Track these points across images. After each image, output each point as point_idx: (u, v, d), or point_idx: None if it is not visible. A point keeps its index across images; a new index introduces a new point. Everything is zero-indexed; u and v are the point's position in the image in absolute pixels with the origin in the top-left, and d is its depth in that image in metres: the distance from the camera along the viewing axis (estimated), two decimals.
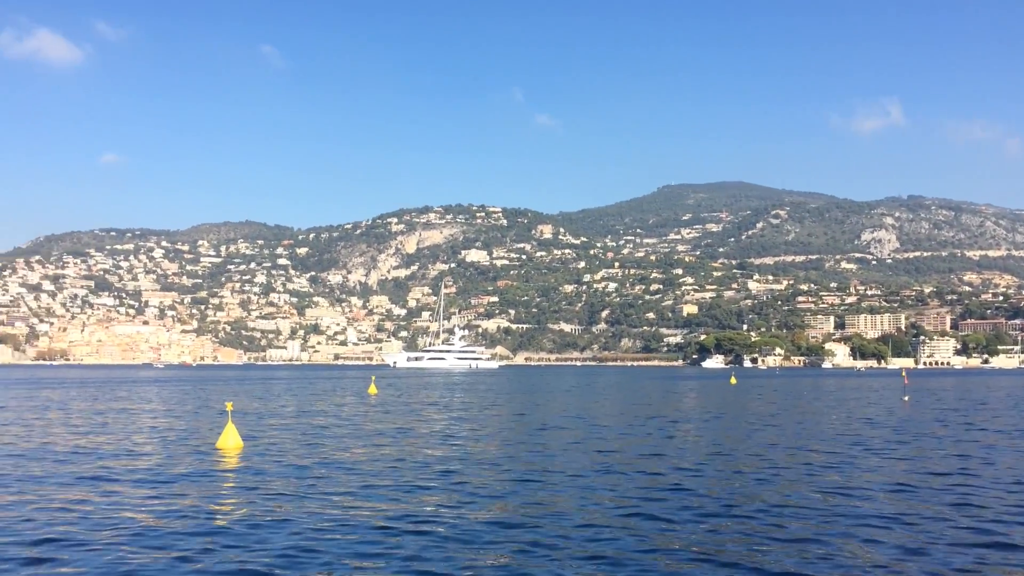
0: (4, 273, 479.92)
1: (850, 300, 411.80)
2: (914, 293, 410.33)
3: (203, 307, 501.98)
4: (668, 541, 13.91)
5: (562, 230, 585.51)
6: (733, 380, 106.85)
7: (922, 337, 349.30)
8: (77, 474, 20.89)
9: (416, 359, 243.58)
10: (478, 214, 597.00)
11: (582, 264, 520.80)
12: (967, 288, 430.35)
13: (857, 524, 15.23)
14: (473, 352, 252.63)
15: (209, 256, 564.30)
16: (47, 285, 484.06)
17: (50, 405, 51.41)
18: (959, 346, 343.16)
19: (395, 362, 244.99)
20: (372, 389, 68.09)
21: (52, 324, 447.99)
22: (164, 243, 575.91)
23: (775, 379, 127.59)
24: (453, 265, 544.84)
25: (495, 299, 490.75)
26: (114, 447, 27.04)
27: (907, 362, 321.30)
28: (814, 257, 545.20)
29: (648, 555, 12.98)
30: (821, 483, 19.86)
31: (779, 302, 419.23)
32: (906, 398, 60.48)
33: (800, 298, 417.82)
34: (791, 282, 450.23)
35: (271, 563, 12.37)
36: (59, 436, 30.90)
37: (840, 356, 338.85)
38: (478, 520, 15.23)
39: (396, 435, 31.12)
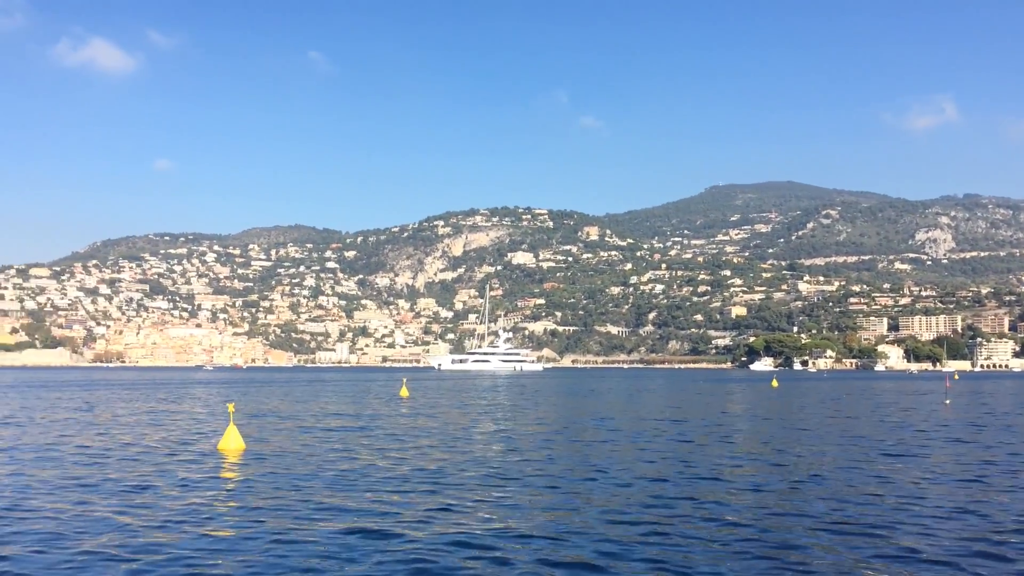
0: (63, 277, 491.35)
1: (904, 301, 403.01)
2: (970, 294, 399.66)
3: (254, 310, 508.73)
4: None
5: (608, 232, 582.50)
6: (775, 383, 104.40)
7: (979, 339, 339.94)
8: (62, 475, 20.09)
9: (460, 361, 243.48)
10: (524, 216, 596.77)
11: (629, 266, 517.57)
12: None
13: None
14: (517, 354, 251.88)
15: (260, 260, 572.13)
16: (104, 289, 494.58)
17: (80, 407, 51.20)
18: (1018, 348, 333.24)
19: (440, 364, 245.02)
20: (403, 391, 67.09)
21: (108, 327, 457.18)
22: (216, 247, 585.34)
23: (820, 382, 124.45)
24: (499, 267, 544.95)
25: (541, 301, 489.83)
26: (118, 447, 26.68)
27: (963, 365, 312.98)
28: (866, 258, 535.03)
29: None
30: (809, 491, 18.64)
31: (830, 304, 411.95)
32: (947, 401, 58.25)
33: (852, 299, 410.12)
34: (843, 283, 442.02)
35: None
36: (66, 436, 30.60)
37: (893, 358, 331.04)
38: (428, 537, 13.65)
39: (408, 440, 29.84)
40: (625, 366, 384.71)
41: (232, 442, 25.76)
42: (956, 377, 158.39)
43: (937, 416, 44.24)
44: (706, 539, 13.98)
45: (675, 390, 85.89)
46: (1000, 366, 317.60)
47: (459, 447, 27.22)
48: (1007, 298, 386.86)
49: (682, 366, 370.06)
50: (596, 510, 16.25)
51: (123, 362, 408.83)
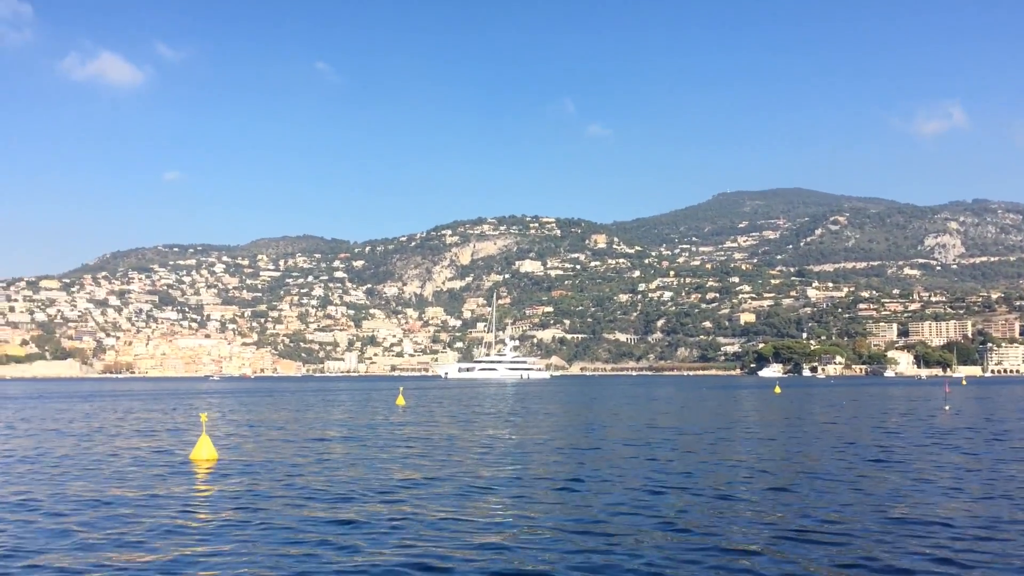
0: (73, 289, 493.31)
1: (913, 307, 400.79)
2: (981, 299, 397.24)
3: (263, 320, 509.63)
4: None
5: (616, 239, 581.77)
6: (778, 390, 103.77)
7: (989, 344, 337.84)
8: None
9: (467, 370, 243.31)
10: (532, 225, 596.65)
11: (637, 273, 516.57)
12: None
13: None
14: (524, 363, 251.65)
15: (268, 270, 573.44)
16: (113, 300, 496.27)
17: (74, 417, 51.12)
18: None
19: (446, 373, 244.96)
20: (400, 400, 66.81)
21: (118, 338, 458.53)
22: (225, 258, 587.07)
23: (825, 388, 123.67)
24: (507, 276, 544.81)
25: (550, 309, 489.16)
26: (90, 457, 26.54)
27: (974, 370, 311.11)
28: (875, 264, 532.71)
29: None
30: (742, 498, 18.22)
31: (839, 310, 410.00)
32: (947, 408, 57.62)
33: (861, 305, 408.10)
34: (852, 289, 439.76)
35: None
36: (48, 445, 30.42)
37: (903, 364, 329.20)
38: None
39: (388, 451, 29.52)
40: (634, 373, 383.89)
41: (204, 452, 25.54)
42: (964, 383, 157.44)
43: (933, 423, 43.73)
44: (658, 546, 13.69)
45: (677, 397, 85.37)
46: (1011, 371, 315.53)
47: (436, 456, 26.94)
48: (1017, 303, 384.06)
49: (691, 373, 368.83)
50: (551, 518, 15.96)
51: (133, 373, 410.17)
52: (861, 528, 15.18)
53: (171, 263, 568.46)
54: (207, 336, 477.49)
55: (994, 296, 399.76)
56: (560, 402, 72.47)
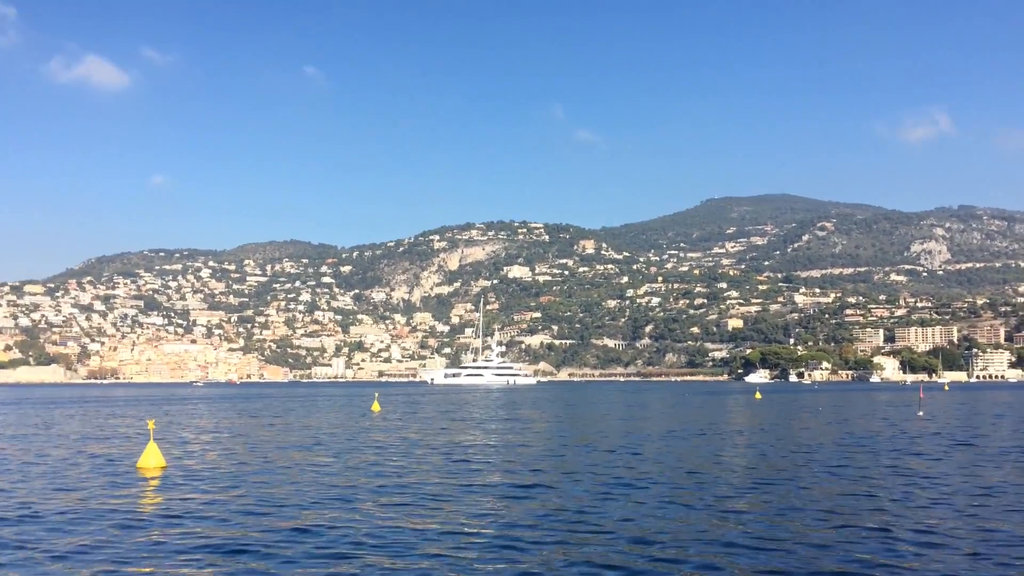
0: (57, 294, 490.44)
1: (900, 313, 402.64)
2: (966, 305, 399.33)
3: (249, 325, 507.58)
4: None
5: (604, 245, 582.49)
6: (758, 395, 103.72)
7: (975, 350, 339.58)
8: None
9: (454, 376, 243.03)
10: (520, 230, 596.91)
11: (625, 279, 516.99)
12: (1022, 299, 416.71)
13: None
14: (511, 368, 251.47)
15: (255, 275, 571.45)
16: (98, 305, 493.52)
17: (38, 423, 50.53)
18: (1014, 359, 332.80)
19: (432, 379, 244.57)
20: (375, 407, 66.28)
21: (103, 343, 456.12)
22: (211, 263, 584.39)
23: (808, 394, 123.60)
24: (495, 281, 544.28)
25: (538, 315, 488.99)
26: (40, 466, 26.14)
27: (959, 375, 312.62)
28: (862, 269, 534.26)
29: None
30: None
31: (826, 315, 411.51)
32: (920, 413, 57.52)
33: (848, 311, 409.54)
34: (839, 295, 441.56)
35: None
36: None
37: (889, 370, 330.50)
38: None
39: (344, 458, 29.15)
40: (622, 379, 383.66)
41: (151, 460, 25.10)
42: (946, 388, 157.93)
43: (904, 428, 43.57)
44: (589, 558, 13.39)
45: (656, 403, 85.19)
46: (996, 376, 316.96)
47: (393, 462, 26.60)
48: (1003, 309, 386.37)
49: (679, 379, 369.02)
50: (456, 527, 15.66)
51: (117, 378, 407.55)
52: (790, 536, 14.89)
53: (157, 268, 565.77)
54: (193, 341, 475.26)
55: (979, 302, 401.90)
56: (539, 408, 72.14)
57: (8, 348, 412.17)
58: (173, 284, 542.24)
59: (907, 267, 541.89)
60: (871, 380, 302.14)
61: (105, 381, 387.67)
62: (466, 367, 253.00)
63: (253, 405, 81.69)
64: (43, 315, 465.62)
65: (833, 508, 17.76)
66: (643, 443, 34.11)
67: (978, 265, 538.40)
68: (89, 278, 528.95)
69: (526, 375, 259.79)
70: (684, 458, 27.99)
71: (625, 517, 16.72)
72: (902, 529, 15.48)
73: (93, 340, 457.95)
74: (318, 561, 13.14)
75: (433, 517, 16.75)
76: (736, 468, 25.08)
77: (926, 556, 13.47)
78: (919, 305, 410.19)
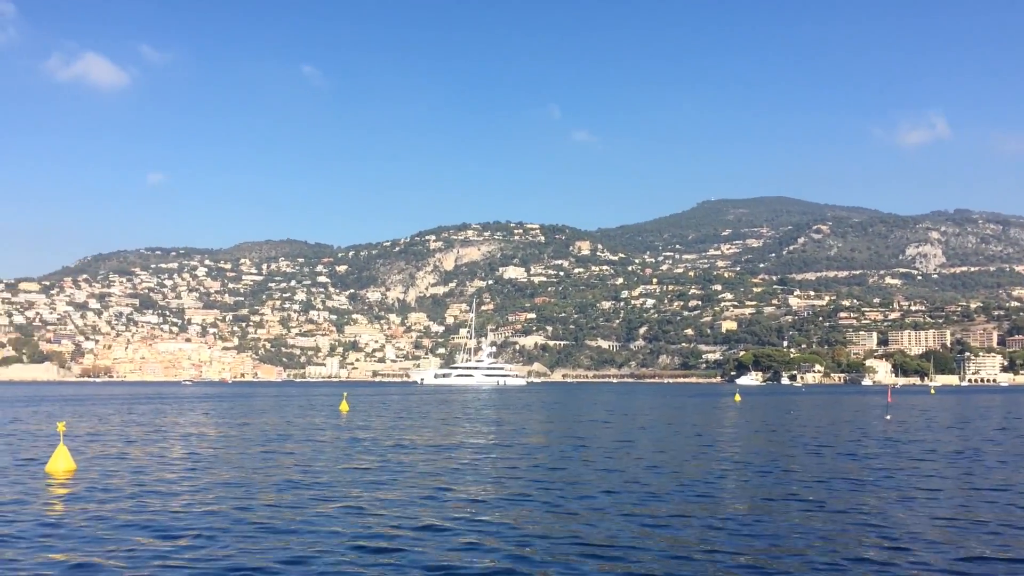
0: (52, 292, 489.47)
1: (893, 316, 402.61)
2: (960, 309, 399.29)
3: (244, 324, 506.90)
4: None
5: (600, 246, 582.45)
6: (737, 398, 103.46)
7: (967, 353, 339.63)
8: None
9: (443, 376, 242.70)
10: (516, 231, 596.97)
11: (620, 280, 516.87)
12: (1016, 303, 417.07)
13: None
14: (501, 369, 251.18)
15: (250, 274, 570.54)
16: (93, 303, 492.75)
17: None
18: (1006, 363, 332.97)
19: (422, 379, 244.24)
20: (343, 407, 65.78)
21: (97, 342, 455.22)
22: (207, 261, 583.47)
23: (792, 396, 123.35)
24: (491, 282, 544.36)
25: (532, 316, 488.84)
26: None
27: (951, 379, 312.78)
28: (857, 273, 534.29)
29: None
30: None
31: (820, 318, 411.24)
32: (888, 417, 57.36)
33: (842, 314, 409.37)
34: (833, 298, 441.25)
35: None
36: None
37: (881, 373, 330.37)
38: None
39: (276, 459, 28.85)
40: (615, 380, 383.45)
41: (61, 463, 24.61)
42: (933, 392, 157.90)
43: (866, 431, 43.30)
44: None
45: (627, 405, 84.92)
46: (988, 380, 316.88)
47: (323, 466, 26.33)
48: (996, 313, 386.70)
49: (672, 380, 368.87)
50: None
51: (111, 377, 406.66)
52: (692, 538, 14.62)
53: (153, 266, 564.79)
54: (188, 340, 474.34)
55: (973, 306, 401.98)
56: (511, 408, 71.87)
57: (2, 346, 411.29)
58: (169, 282, 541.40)
59: (902, 270, 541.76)
60: (863, 383, 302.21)
61: (98, 380, 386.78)
62: (456, 367, 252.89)
63: (229, 404, 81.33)
64: (38, 313, 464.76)
65: (748, 514, 17.45)
66: (571, 446, 33.83)
67: (973, 269, 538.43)
68: (85, 276, 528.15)
69: (516, 376, 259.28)
70: (628, 463, 27.67)
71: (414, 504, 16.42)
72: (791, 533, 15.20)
73: (87, 338, 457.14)
74: None
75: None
76: (681, 472, 24.83)
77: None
78: (913, 308, 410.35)
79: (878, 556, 13.66)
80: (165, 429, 43.46)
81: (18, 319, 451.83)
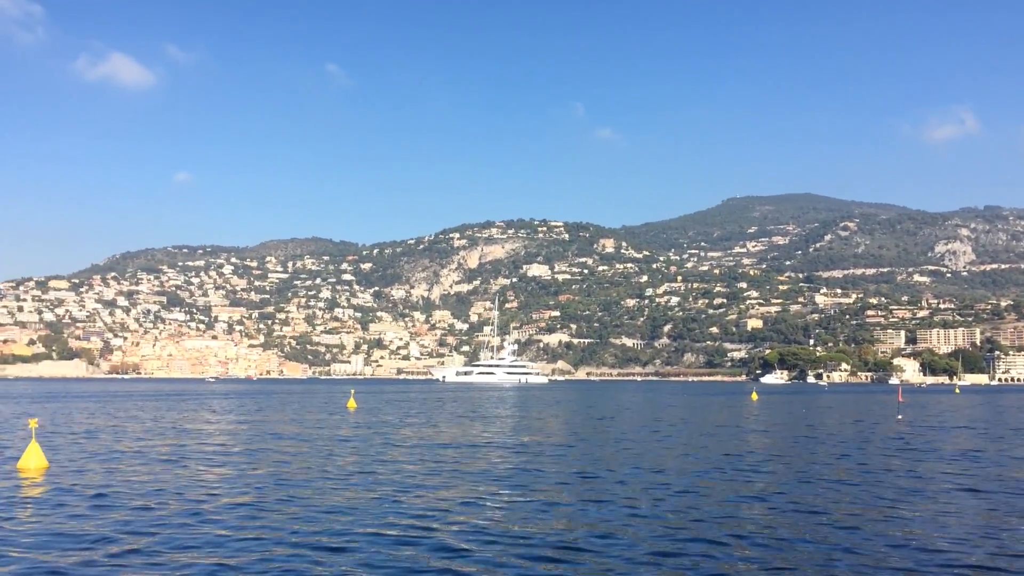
0: (81, 290, 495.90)
1: (922, 314, 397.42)
2: (990, 307, 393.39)
3: (270, 322, 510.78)
4: None
5: (624, 244, 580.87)
6: (754, 397, 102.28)
7: (997, 352, 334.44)
8: None
9: (465, 374, 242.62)
10: (540, 229, 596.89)
11: (644, 278, 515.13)
12: None
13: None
14: (524, 367, 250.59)
15: (276, 272, 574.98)
16: (121, 301, 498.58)
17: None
18: None
19: (443, 377, 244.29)
20: (351, 404, 65.54)
21: (126, 339, 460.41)
22: (233, 259, 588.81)
23: (812, 395, 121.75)
24: (515, 280, 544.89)
25: (556, 314, 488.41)
26: None
27: (980, 378, 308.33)
28: (885, 270, 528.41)
29: None
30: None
31: (847, 316, 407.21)
32: (899, 417, 56.24)
33: (869, 312, 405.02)
34: (860, 296, 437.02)
35: None
36: None
37: (909, 372, 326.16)
38: None
39: (251, 458, 28.66)
40: (639, 379, 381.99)
41: (33, 461, 24.47)
42: (957, 391, 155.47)
43: (872, 432, 42.39)
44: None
45: (643, 404, 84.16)
46: (1017, 379, 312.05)
47: (295, 468, 26.05)
48: None
49: (696, 379, 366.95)
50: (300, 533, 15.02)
51: (139, 374, 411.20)
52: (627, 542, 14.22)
53: (180, 264, 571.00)
54: (214, 337, 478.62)
55: (1003, 304, 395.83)
56: (525, 407, 71.42)
57: (32, 343, 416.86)
58: (196, 280, 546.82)
59: (931, 268, 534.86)
60: (890, 382, 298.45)
61: (126, 376, 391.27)
62: (478, 365, 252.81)
63: (244, 402, 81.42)
64: (67, 310, 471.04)
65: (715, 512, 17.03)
66: (569, 443, 33.36)
67: (1003, 266, 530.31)
68: (113, 274, 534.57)
69: (538, 374, 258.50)
70: (618, 463, 27.24)
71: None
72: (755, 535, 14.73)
73: (116, 335, 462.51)
74: None
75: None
76: (666, 473, 24.39)
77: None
78: (942, 306, 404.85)
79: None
80: (165, 425, 43.46)
81: (48, 316, 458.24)
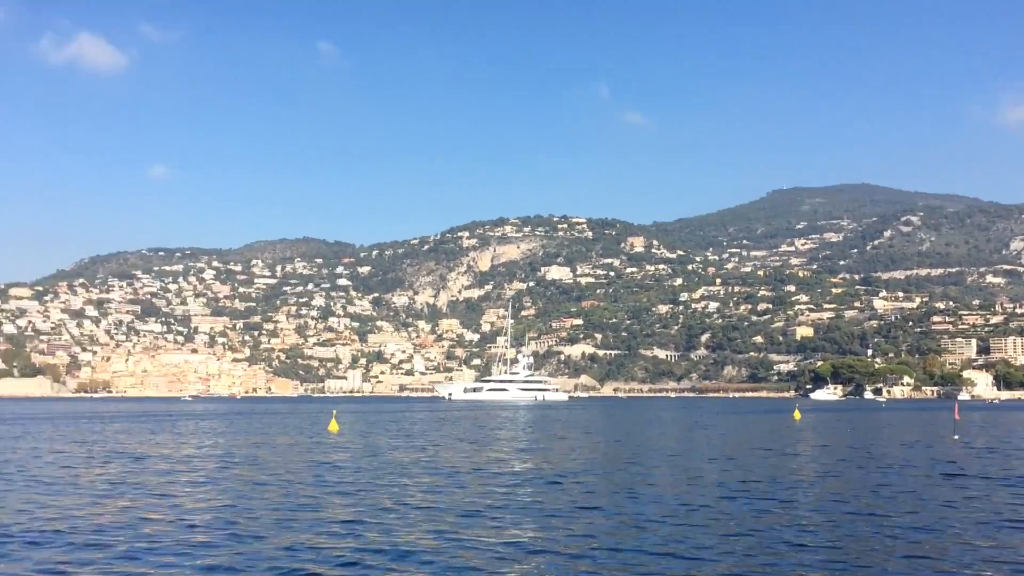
0: (46, 298, 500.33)
1: (996, 320, 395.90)
2: None
3: (256, 333, 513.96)
4: None
5: (656, 242, 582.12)
6: (797, 415, 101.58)
7: None
8: None
9: (474, 390, 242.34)
10: (560, 226, 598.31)
11: (679, 281, 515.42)
12: None
13: None
14: (541, 383, 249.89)
15: (263, 277, 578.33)
16: (91, 311, 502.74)
17: None
18: None
19: (450, 394, 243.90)
20: (333, 426, 65.40)
21: (95, 353, 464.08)
22: (215, 263, 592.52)
23: (865, 414, 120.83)
24: (532, 284, 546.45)
25: (579, 322, 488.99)
26: None
27: None
28: (953, 270, 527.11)
29: None
30: None
31: (910, 323, 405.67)
32: (955, 436, 55.69)
33: (935, 318, 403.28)
34: (925, 299, 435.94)
35: None
36: None
37: (981, 386, 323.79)
38: None
39: (199, 486, 28.41)
40: (673, 395, 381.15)
41: None
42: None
43: (919, 454, 41.77)
44: None
45: (672, 423, 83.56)
46: None
47: (244, 490, 25.80)
48: None
49: (738, 395, 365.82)
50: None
51: (110, 392, 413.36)
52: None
53: (156, 269, 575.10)
54: (194, 351, 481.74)
55: None
56: (537, 428, 70.98)
57: None
58: (173, 287, 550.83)
59: (1006, 267, 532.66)
60: (960, 397, 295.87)
61: (96, 395, 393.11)
62: (488, 380, 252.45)
63: (207, 424, 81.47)
64: (30, 321, 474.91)
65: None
66: (567, 470, 33.04)
67: None
68: (81, 280, 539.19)
69: (557, 390, 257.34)
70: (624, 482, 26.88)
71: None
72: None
73: (84, 349, 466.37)
74: None
75: None
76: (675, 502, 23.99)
77: None
78: (1018, 311, 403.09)
79: None
80: (113, 451, 43.36)
81: (8, 328, 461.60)
